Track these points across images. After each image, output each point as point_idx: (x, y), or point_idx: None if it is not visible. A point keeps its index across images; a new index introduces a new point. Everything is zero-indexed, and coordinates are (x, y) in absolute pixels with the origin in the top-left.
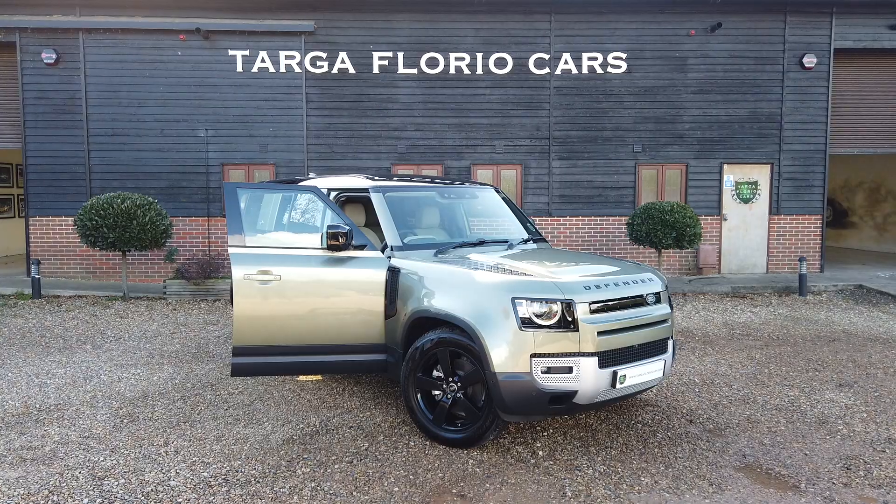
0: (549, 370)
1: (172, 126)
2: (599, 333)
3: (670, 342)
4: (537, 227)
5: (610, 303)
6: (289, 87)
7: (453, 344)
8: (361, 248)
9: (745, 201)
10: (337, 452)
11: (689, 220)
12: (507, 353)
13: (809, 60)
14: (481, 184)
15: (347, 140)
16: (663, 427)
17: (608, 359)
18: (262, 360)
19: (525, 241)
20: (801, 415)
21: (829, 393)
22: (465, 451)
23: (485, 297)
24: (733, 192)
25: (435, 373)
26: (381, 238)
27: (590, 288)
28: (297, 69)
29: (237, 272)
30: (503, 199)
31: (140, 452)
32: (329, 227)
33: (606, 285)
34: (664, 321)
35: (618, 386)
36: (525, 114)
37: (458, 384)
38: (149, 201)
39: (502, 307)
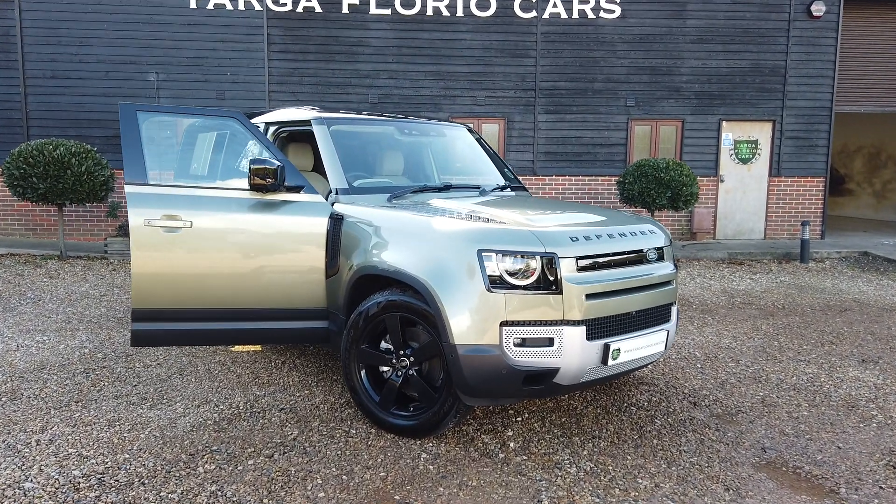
0: (523, 342)
1: (119, 68)
2: (588, 297)
3: (674, 309)
4: None
5: (602, 258)
6: (248, 26)
7: (405, 308)
8: (297, 190)
9: (744, 161)
10: (256, 443)
11: (686, 178)
12: (470, 320)
13: (818, 8)
14: (451, 122)
15: (314, 87)
16: (662, 411)
17: (599, 328)
18: (169, 328)
19: (501, 189)
20: (824, 397)
21: (853, 370)
22: (419, 442)
23: (444, 249)
24: (731, 152)
25: (383, 344)
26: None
27: (577, 239)
28: (257, 6)
29: (135, 217)
30: (477, 139)
31: (4, 441)
32: (253, 161)
33: (598, 237)
34: (668, 283)
35: (610, 362)
36: (509, 62)
37: (411, 358)
38: (86, 149)
39: (466, 262)
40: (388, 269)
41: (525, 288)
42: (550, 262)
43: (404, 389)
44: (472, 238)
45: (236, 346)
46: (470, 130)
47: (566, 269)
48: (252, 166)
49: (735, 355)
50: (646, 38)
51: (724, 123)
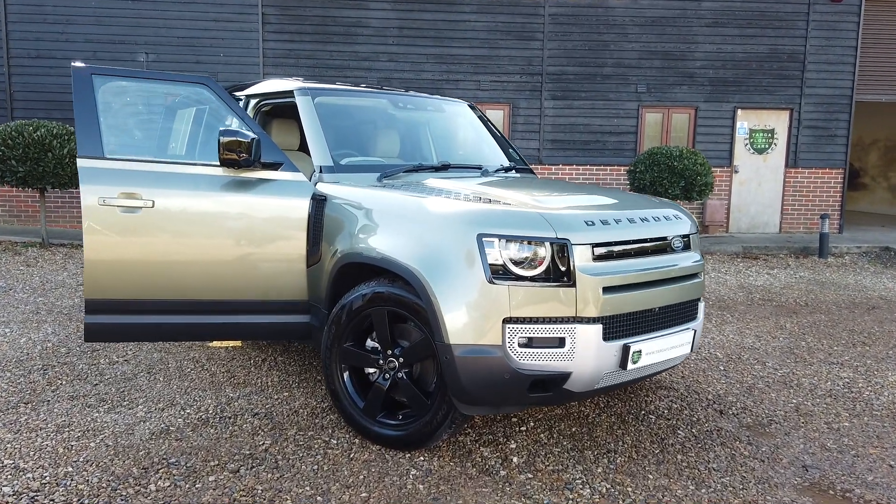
0: (529, 342)
1: (107, 48)
2: (605, 290)
3: (701, 305)
4: None
5: (621, 246)
6: (243, 5)
7: (393, 301)
8: (275, 167)
9: (760, 152)
10: (222, 454)
11: (700, 167)
12: (468, 316)
13: None
14: (450, 98)
15: (310, 70)
16: (685, 421)
17: (617, 327)
18: (126, 321)
19: (506, 170)
20: (865, 405)
21: (892, 374)
22: (408, 456)
23: (439, 233)
24: (746, 141)
25: (369, 342)
26: None
27: (593, 224)
28: None
29: (89, 195)
30: (479, 117)
31: None
32: (223, 133)
33: (617, 221)
34: (695, 275)
35: (629, 366)
36: (515, 45)
37: (401, 359)
38: (69, 131)
39: (464, 249)
40: (374, 257)
41: (532, 279)
42: (562, 249)
43: (393, 394)
44: (471, 221)
45: (213, 342)
46: (471, 107)
47: (580, 257)
48: (222, 139)
49: (760, 357)
50: (658, 20)
51: (738, 111)
